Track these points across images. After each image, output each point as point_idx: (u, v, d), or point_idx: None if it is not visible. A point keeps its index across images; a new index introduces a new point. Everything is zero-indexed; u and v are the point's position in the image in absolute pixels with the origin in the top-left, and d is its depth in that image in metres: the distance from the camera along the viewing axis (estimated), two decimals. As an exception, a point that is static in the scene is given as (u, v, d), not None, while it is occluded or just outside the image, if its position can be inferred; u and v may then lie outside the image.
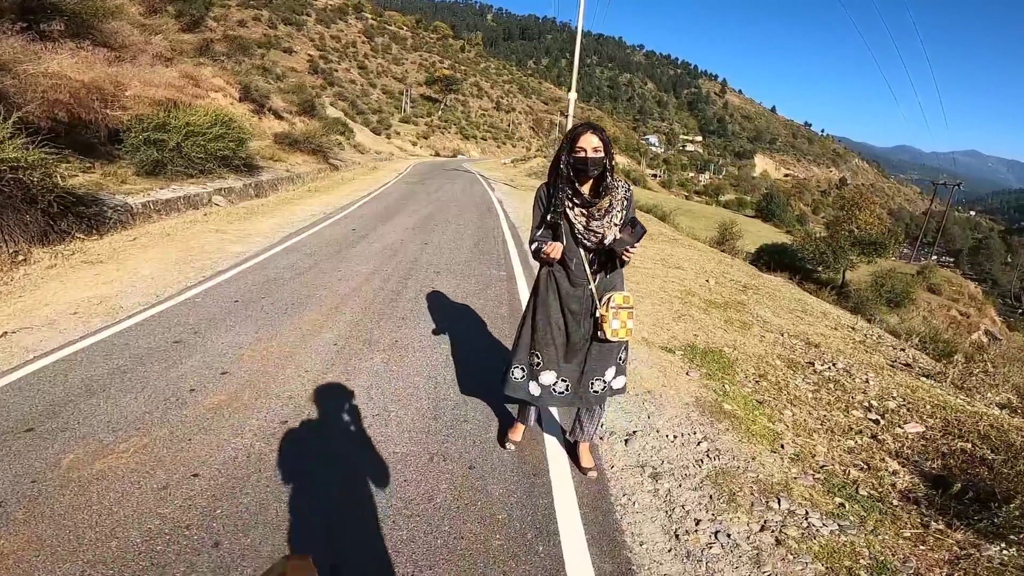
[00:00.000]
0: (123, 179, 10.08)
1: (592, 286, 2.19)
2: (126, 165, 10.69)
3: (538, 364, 2.27)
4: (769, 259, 26.57)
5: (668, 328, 4.36)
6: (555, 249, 2.07)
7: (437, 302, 4.69)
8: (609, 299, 2.15)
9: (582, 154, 2.09)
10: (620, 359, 2.35)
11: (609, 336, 2.15)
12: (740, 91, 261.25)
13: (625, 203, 2.19)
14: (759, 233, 45.88)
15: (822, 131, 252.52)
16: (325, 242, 6.99)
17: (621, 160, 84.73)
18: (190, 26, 22.90)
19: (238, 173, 12.28)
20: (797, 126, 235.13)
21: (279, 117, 25.02)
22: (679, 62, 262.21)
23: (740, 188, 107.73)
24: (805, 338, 4.57)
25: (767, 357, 4.03)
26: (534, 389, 2.30)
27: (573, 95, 13.11)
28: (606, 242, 2.11)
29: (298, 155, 18.88)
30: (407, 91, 78.48)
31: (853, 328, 5.55)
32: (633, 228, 2.06)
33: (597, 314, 2.17)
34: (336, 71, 75.89)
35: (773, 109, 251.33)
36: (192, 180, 11.01)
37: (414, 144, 61.53)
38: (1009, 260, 76.64)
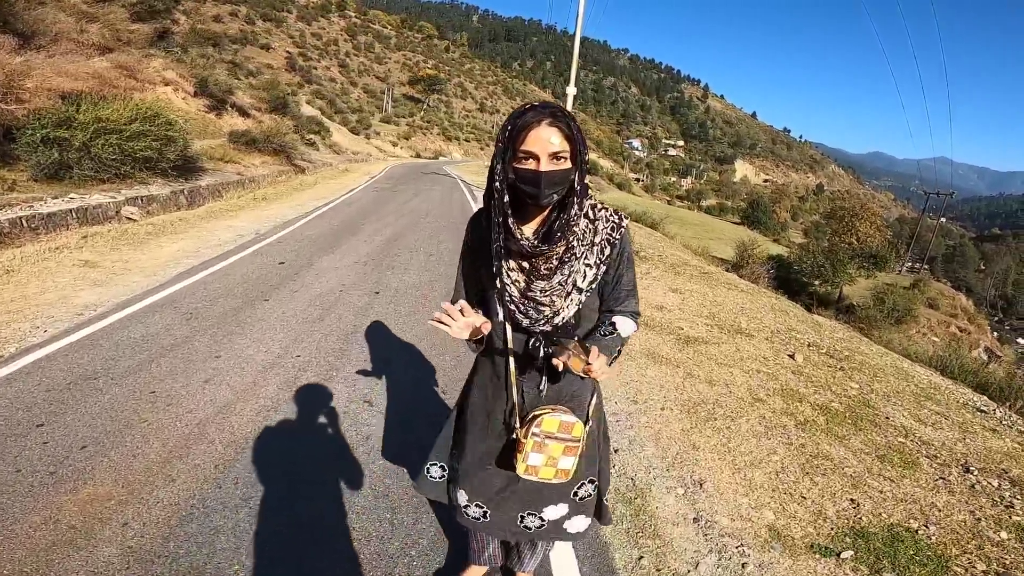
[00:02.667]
0: (11, 185, 8.15)
1: (515, 393, 1.31)
2: (23, 168, 8.76)
3: (449, 475, 1.53)
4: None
5: (801, 494, 2.53)
6: (458, 325, 1.17)
7: (378, 462, 2.50)
8: (534, 419, 1.26)
9: (530, 164, 1.12)
10: (579, 497, 1.46)
11: (519, 472, 1.28)
12: (722, 96, 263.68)
13: (607, 248, 1.25)
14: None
15: (800, 137, 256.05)
16: (228, 288, 4.92)
17: (605, 164, 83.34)
18: (147, 16, 20.71)
19: (168, 177, 10.31)
20: (776, 132, 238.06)
21: (245, 114, 22.97)
22: (663, 66, 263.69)
23: (721, 193, 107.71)
24: (1000, 471, 2.89)
25: (984, 527, 2.33)
26: (454, 495, 1.52)
27: (572, 90, 11.40)
28: (557, 322, 1.24)
29: (256, 156, 16.89)
30: (389, 90, 76.23)
31: (980, 410, 3.94)
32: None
33: (514, 435, 1.32)
34: (315, 69, 73.28)
35: (754, 115, 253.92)
36: (103, 186, 9.06)
37: (395, 145, 59.45)
38: (983, 267, 77.25)
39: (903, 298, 24.14)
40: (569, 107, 11.67)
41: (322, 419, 2.85)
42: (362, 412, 2.95)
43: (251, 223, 8.30)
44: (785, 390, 3.73)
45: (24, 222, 6.70)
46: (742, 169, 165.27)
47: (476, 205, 13.03)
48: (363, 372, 3.42)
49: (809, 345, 5.00)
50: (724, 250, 32.65)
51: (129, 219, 8.63)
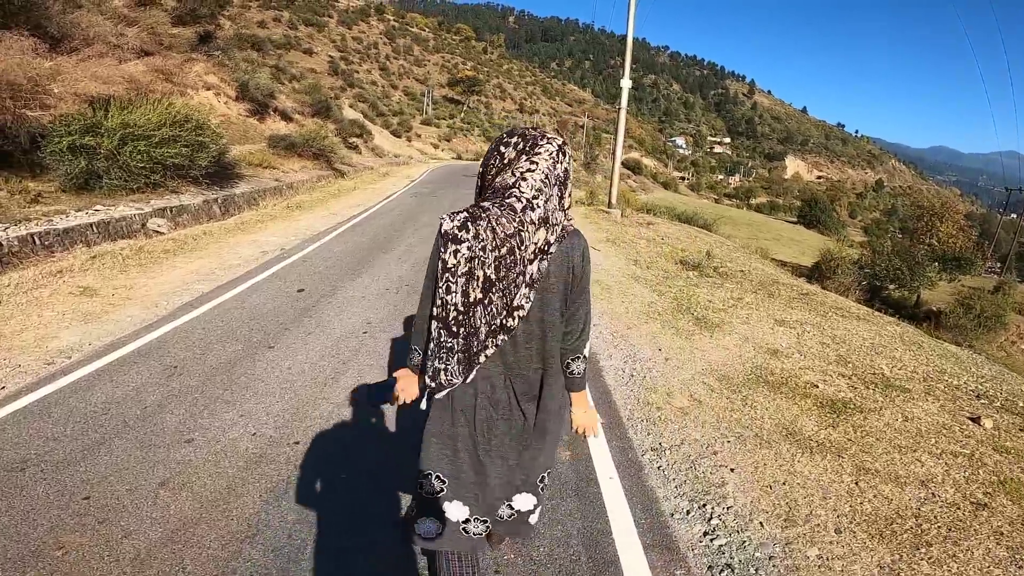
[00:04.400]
0: (35, 197, 7.71)
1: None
2: (51, 178, 8.36)
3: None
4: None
5: None
6: None
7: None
8: None
9: None
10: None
11: None
12: (769, 92, 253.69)
13: None
14: (806, 242, 42.04)
15: (856, 132, 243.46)
16: (231, 328, 4.03)
17: (648, 163, 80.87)
18: (190, 20, 20.72)
19: (201, 185, 9.78)
20: (830, 127, 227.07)
21: (287, 118, 22.88)
22: (705, 63, 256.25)
23: (772, 191, 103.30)
24: None
25: None
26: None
27: (626, 83, 10.25)
28: None
29: (295, 161, 16.48)
30: (428, 92, 76.41)
31: None
32: None
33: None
34: (357, 72, 74.28)
35: (804, 110, 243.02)
36: (133, 197, 8.58)
37: (435, 147, 59.38)
38: (1060, 266, 70.27)
39: (992, 304, 21.67)
40: (624, 101, 10.55)
41: (321, 563, 1.89)
42: (386, 542, 1.97)
43: (278, 236, 7.53)
44: (1004, 481, 2.54)
45: (36, 239, 6.12)
46: (793, 166, 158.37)
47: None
48: (385, 473, 2.41)
49: (978, 397, 3.75)
50: (783, 251, 30.47)
51: (156, 232, 8.07)
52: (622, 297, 5.57)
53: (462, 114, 77.18)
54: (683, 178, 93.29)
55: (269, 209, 9.93)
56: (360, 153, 31.74)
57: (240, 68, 20.54)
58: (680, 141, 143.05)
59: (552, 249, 1.31)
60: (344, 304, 4.80)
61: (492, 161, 1.35)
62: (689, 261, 7.25)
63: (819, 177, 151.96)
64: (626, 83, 10.19)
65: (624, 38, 10.70)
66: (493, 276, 1.27)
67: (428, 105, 73.49)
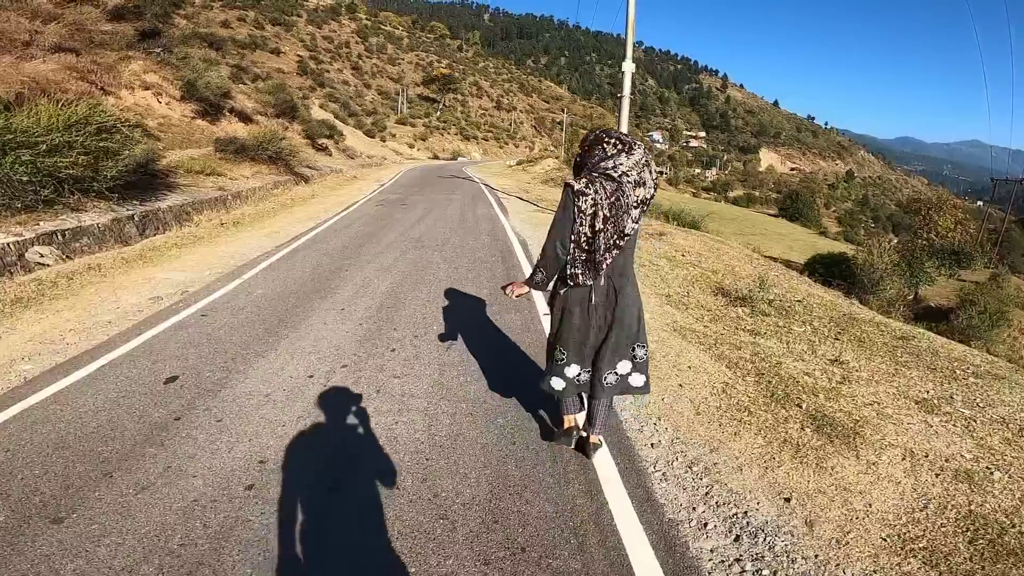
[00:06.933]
0: None
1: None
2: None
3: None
4: (826, 272, 22.34)
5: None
6: None
7: None
8: None
9: None
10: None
11: None
12: (742, 86, 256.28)
13: None
14: (793, 235, 41.34)
15: (826, 124, 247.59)
16: (8, 472, 2.23)
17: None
18: (132, 16, 18.59)
19: (111, 200, 7.99)
20: (801, 120, 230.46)
21: (247, 120, 20.98)
22: (679, 57, 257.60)
23: (748, 183, 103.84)
24: None
25: None
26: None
27: (629, 66, 8.73)
28: None
29: (247, 166, 14.64)
30: (403, 91, 74.25)
31: None
32: None
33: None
34: (328, 72, 71.83)
35: (776, 103, 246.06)
36: (19, 219, 6.80)
37: (411, 146, 57.47)
38: (1030, 252, 71.23)
39: (995, 300, 20.90)
40: (627, 85, 9.10)
41: None
42: None
43: (189, 270, 5.73)
44: None
45: None
46: (767, 158, 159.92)
47: (508, 221, 10.37)
48: None
49: None
50: (773, 247, 29.41)
51: (40, 264, 6.32)
52: (677, 373, 3.50)
53: (438, 113, 75.24)
54: (661, 172, 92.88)
55: (199, 227, 8.18)
56: (330, 155, 29.89)
57: (189, 66, 18.52)
58: (657, 136, 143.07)
59: (651, 202, 2.22)
60: (231, 411, 2.84)
61: (597, 152, 2.20)
62: (730, 290, 5.67)
63: (792, 169, 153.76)
64: (628, 66, 8.62)
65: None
66: (608, 215, 2.12)
67: (403, 104, 71.39)
